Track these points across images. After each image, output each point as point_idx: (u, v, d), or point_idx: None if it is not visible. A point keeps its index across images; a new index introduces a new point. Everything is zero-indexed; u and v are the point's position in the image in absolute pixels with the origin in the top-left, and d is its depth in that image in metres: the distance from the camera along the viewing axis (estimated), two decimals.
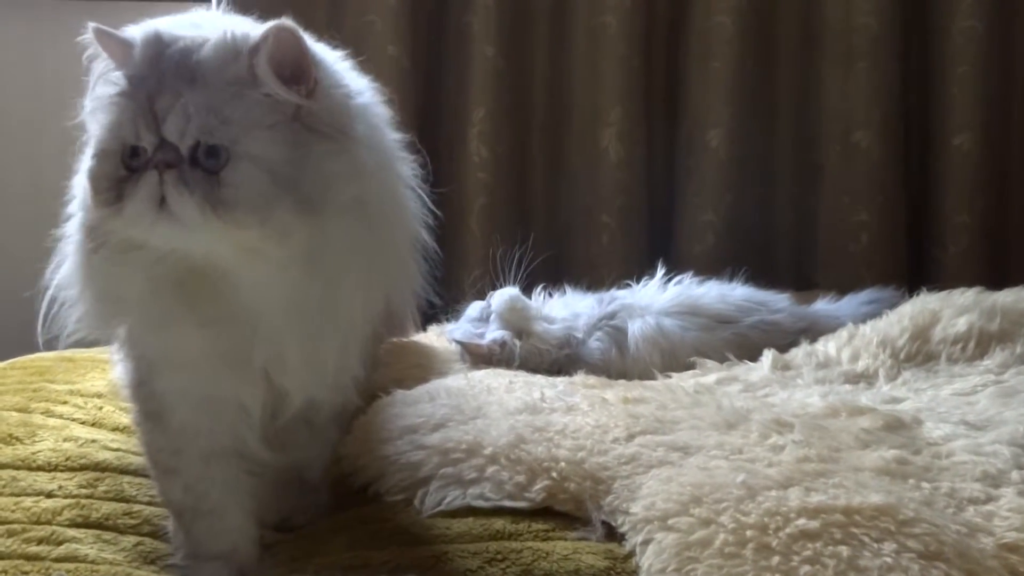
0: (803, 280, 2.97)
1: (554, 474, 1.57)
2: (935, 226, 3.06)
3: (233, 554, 1.45)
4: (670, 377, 2.13)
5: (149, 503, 1.56)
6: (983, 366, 2.15)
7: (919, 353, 2.22)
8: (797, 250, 3.07)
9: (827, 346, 2.27)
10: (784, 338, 2.34)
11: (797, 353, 2.25)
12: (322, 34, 1.57)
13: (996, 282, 2.56)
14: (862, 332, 2.29)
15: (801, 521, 1.36)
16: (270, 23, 1.30)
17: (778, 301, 2.44)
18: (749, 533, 1.36)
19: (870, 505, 1.39)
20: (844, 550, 1.32)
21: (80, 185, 1.37)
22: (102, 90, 1.34)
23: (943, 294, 2.40)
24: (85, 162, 1.33)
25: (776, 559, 1.32)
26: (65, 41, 2.63)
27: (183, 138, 1.25)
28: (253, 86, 1.29)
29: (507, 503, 1.56)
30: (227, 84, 1.28)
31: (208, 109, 1.26)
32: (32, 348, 2.24)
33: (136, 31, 1.34)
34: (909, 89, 3.06)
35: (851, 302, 2.58)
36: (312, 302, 1.33)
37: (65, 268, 1.39)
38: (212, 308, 1.33)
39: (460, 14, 2.91)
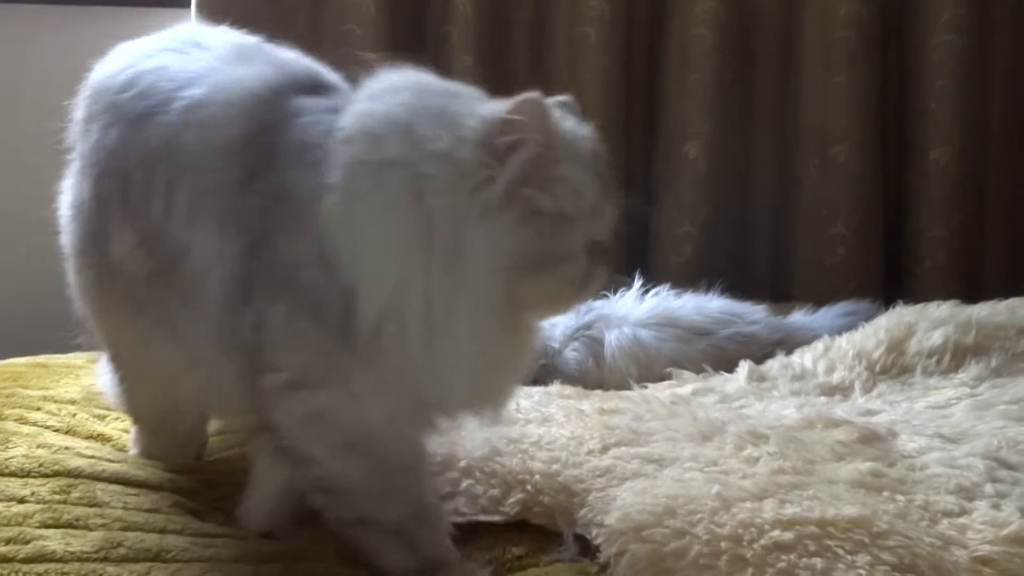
0: (780, 292, 2.97)
1: (528, 487, 1.57)
2: (912, 240, 3.07)
3: None
4: (646, 388, 2.13)
5: (123, 507, 1.54)
6: (958, 379, 2.15)
7: (894, 366, 2.22)
8: (774, 262, 3.07)
9: (803, 358, 2.27)
10: (760, 350, 2.35)
11: (773, 365, 2.26)
12: (301, 42, 1.57)
13: (972, 296, 2.57)
14: (838, 344, 2.29)
15: (775, 533, 1.36)
16: None
17: (754, 313, 2.45)
18: (723, 544, 1.35)
19: (844, 517, 1.39)
20: (818, 562, 1.32)
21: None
22: None
23: (919, 307, 2.41)
24: (562, 265, 1.39)
25: (750, 570, 1.32)
26: (47, 46, 2.62)
27: None
28: None
29: (482, 517, 1.55)
30: None
31: None
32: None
33: (553, 119, 1.38)
34: (887, 103, 3.07)
35: (827, 314, 2.59)
36: None
37: None
38: None
39: (439, 23, 2.91)
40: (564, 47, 2.95)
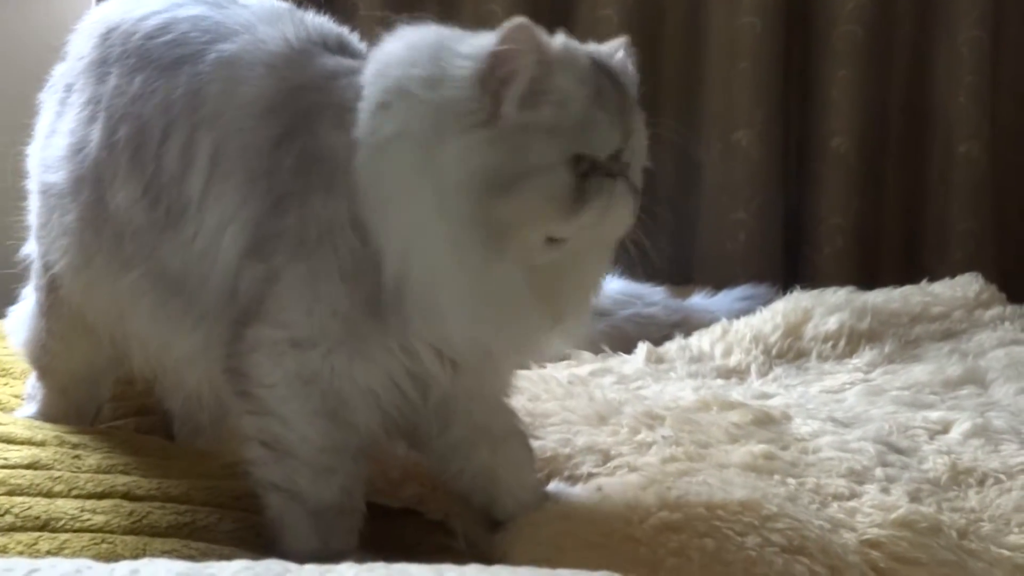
0: (680, 275, 2.98)
1: (425, 481, 1.55)
2: (811, 227, 3.10)
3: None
4: (544, 368, 2.13)
5: (4, 465, 1.50)
6: (852, 364, 2.19)
7: (791, 350, 2.25)
8: (675, 245, 3.09)
9: (701, 341, 2.29)
10: (659, 331, 2.36)
11: (671, 347, 2.27)
12: None
13: (867, 283, 2.62)
14: (736, 328, 2.31)
15: (663, 514, 1.37)
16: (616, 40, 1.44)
17: (654, 295, 2.46)
18: (614, 524, 1.36)
19: (733, 500, 1.40)
20: (709, 543, 1.33)
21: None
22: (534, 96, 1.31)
23: (816, 292, 2.45)
24: (535, 178, 1.31)
25: (642, 550, 1.32)
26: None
27: (633, 155, 1.38)
28: None
29: (379, 499, 1.53)
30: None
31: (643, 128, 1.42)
32: None
33: (543, 39, 1.33)
34: (790, 90, 3.10)
35: (726, 298, 2.61)
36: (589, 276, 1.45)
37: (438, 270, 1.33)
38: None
39: None
40: (472, 24, 2.93)
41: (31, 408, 1.73)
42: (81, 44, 1.58)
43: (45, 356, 1.70)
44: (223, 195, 1.38)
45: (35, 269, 1.67)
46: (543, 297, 1.36)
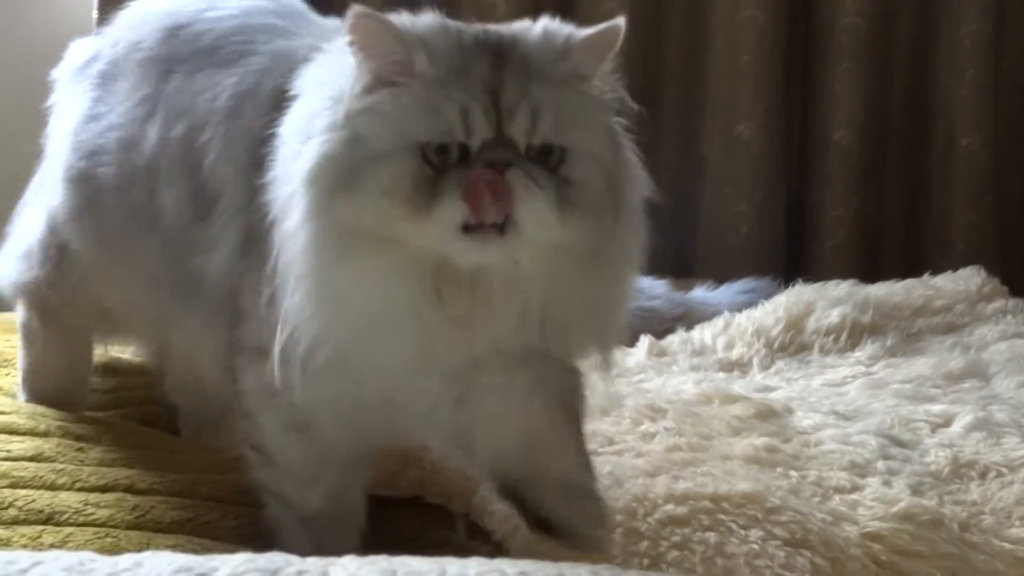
0: (682, 268, 2.98)
1: (426, 464, 1.55)
2: (813, 220, 3.10)
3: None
4: None
5: (7, 457, 1.49)
6: (854, 358, 2.19)
7: (792, 343, 2.25)
8: (677, 238, 3.09)
9: (703, 334, 2.29)
10: (661, 324, 2.36)
11: (673, 340, 2.27)
12: None
13: (869, 276, 2.62)
14: (737, 321, 2.31)
15: (669, 507, 1.37)
16: (606, 24, 1.29)
17: (656, 288, 2.46)
18: (618, 518, 1.36)
19: (737, 493, 1.40)
20: (712, 536, 1.33)
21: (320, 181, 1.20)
22: (373, 83, 1.20)
23: (818, 286, 2.44)
24: (371, 168, 1.17)
25: (645, 544, 1.32)
26: None
27: (532, 136, 1.17)
28: (584, 82, 1.26)
29: (378, 491, 1.52)
30: (562, 80, 1.22)
31: (556, 106, 1.19)
32: None
33: (404, 23, 1.21)
34: (792, 83, 3.10)
35: (728, 291, 2.61)
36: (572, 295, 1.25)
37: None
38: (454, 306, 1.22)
39: None
40: (472, 15, 2.93)
41: (23, 396, 1.72)
42: (139, 32, 1.53)
43: (56, 295, 1.66)
44: (227, 190, 1.37)
45: (44, 246, 1.62)
46: (461, 314, 1.22)
